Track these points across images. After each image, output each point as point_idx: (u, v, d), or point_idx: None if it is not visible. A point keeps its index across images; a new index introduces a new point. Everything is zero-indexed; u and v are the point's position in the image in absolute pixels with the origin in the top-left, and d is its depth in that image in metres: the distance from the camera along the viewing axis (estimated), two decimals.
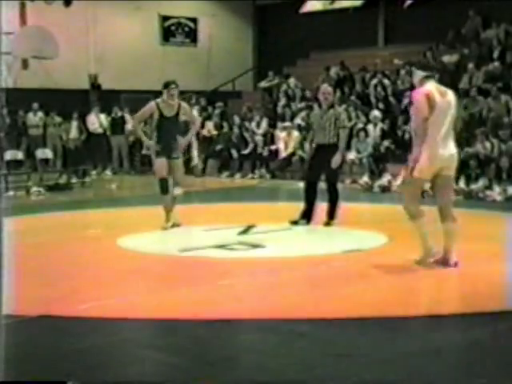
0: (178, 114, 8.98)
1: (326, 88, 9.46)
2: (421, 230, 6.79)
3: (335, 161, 9.01)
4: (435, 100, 6.55)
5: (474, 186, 12.61)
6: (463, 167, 13.11)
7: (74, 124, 18.79)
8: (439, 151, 6.55)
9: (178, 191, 8.92)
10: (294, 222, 9.12)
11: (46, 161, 17.61)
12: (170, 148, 8.95)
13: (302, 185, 14.91)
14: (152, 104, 9.07)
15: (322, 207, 9.25)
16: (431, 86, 6.68)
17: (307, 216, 9.17)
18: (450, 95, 6.76)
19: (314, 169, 9.29)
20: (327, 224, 9.13)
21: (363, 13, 20.94)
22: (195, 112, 18.67)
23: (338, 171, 9.38)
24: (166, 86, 8.98)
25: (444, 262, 6.74)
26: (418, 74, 6.82)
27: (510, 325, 5.05)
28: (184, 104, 9.21)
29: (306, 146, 16.53)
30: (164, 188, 9.01)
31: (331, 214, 9.15)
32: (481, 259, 7.18)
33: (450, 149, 6.70)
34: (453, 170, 6.83)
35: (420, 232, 6.81)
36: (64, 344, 4.71)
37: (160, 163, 9.01)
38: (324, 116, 9.12)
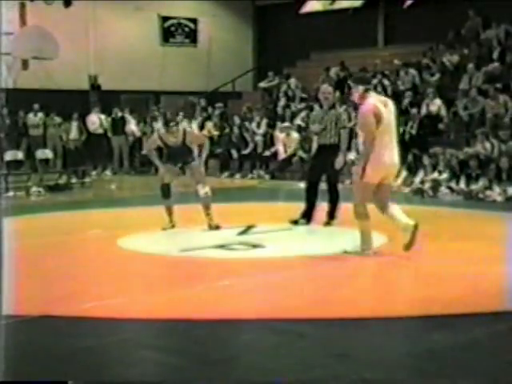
0: (184, 141, 9.02)
1: (326, 88, 9.46)
2: (364, 229, 7.20)
3: (338, 162, 9.02)
4: (381, 112, 6.87)
5: (474, 187, 12.61)
6: (463, 167, 13.14)
7: (74, 124, 18.80)
8: (384, 159, 6.94)
9: (203, 190, 8.89)
10: (295, 222, 9.13)
11: (46, 161, 17.61)
12: (182, 158, 9.03)
13: (302, 185, 14.94)
14: (155, 137, 9.38)
15: (322, 207, 9.25)
16: (374, 99, 6.99)
17: (307, 216, 9.19)
18: (390, 104, 7.12)
19: (315, 169, 9.30)
20: (327, 224, 9.13)
21: (363, 13, 20.95)
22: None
23: (338, 172, 9.39)
24: (166, 124, 9.34)
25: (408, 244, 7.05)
26: (359, 88, 7.06)
27: (508, 325, 5.06)
28: (189, 130, 9.35)
29: (306, 146, 16.61)
30: (165, 193, 9.06)
31: (331, 214, 9.16)
32: (480, 259, 7.19)
33: (393, 158, 7.07)
34: (392, 177, 7.39)
35: (362, 231, 7.20)
36: (64, 344, 4.71)
37: (165, 169, 9.09)
38: (325, 116, 9.11)
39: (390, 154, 6.99)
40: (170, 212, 9.05)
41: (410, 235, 7.01)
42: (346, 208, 9.41)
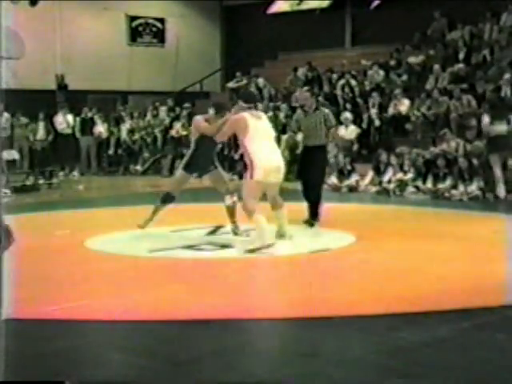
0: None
1: (301, 94, 9.73)
2: (259, 223, 7.59)
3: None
4: (247, 123, 7.69)
5: (441, 186, 12.74)
6: (430, 167, 13.26)
7: (41, 125, 18.64)
8: (266, 159, 7.69)
9: (230, 200, 8.51)
10: (311, 224, 9.17)
11: (12, 162, 17.44)
12: (205, 165, 8.54)
13: None
14: (200, 119, 8.45)
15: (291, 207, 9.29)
16: (246, 113, 7.80)
17: (315, 215, 9.21)
18: (264, 117, 8.11)
19: (305, 170, 9.41)
20: (311, 225, 9.14)
21: (330, 14, 21.04)
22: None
23: (323, 173, 9.63)
24: (220, 109, 8.47)
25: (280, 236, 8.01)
26: (241, 105, 7.90)
27: (473, 322, 5.13)
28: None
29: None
30: (166, 201, 8.63)
31: (315, 215, 9.20)
32: (445, 257, 7.28)
33: (272, 159, 7.80)
34: (280, 177, 7.94)
35: (258, 226, 7.63)
36: (30, 347, 4.68)
37: (180, 177, 8.68)
38: (310, 119, 9.27)
39: (268, 156, 7.75)
40: (155, 213, 8.68)
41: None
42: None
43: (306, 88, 10.87)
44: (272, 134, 8.03)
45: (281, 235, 8.06)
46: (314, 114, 9.28)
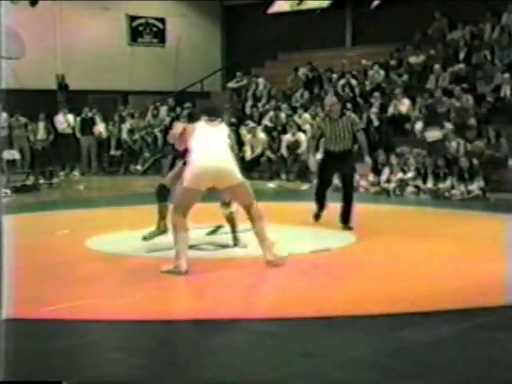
0: None
1: (329, 100, 10.12)
2: (178, 243, 6.81)
3: (367, 162, 9.68)
4: (195, 127, 7.11)
5: (441, 186, 12.75)
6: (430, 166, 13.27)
7: (42, 125, 18.64)
8: (201, 164, 6.87)
9: (227, 211, 8.02)
10: (349, 228, 9.14)
11: (12, 162, 17.44)
12: None
13: (271, 185, 15.05)
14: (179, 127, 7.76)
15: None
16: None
17: (317, 216, 9.54)
18: (222, 126, 7.29)
19: (326, 175, 9.63)
20: (349, 228, 9.06)
21: (330, 14, 21.02)
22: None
23: (353, 174, 9.94)
24: (211, 115, 7.69)
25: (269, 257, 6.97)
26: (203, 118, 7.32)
27: (473, 322, 5.13)
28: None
29: (275, 146, 16.67)
30: (162, 195, 7.92)
31: (347, 218, 9.19)
32: (446, 258, 7.28)
33: (216, 161, 6.94)
34: (232, 180, 7.12)
35: (178, 246, 6.81)
36: (30, 346, 4.68)
37: (179, 172, 7.72)
38: (336, 125, 9.35)
39: (206, 156, 6.95)
40: (163, 214, 8.00)
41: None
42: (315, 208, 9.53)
43: (331, 94, 11.04)
44: (223, 138, 7.18)
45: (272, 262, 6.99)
46: (340, 120, 9.38)
